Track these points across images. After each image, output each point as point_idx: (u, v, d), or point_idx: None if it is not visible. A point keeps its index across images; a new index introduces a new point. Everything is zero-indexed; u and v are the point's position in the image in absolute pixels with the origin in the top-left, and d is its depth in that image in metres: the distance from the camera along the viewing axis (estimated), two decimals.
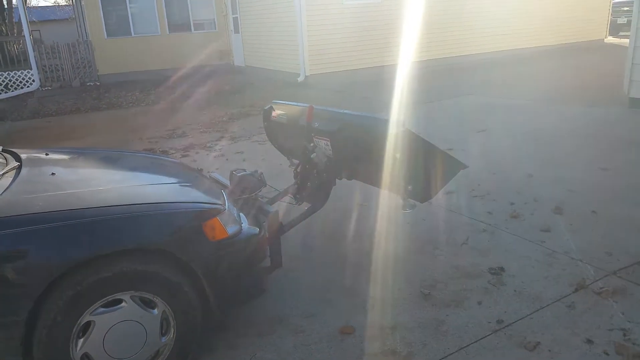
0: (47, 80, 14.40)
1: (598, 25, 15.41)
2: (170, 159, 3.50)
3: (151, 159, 3.37)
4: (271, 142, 4.33)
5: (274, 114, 3.97)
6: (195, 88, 12.64)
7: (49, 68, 14.48)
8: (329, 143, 3.32)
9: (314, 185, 3.48)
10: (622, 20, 17.31)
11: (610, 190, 4.24)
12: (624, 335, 2.45)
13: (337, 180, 3.53)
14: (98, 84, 14.56)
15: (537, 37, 14.22)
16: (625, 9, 16.91)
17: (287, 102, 3.95)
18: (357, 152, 3.22)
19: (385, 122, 2.98)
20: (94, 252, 1.99)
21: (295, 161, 3.92)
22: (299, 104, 3.78)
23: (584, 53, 13.81)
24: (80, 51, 14.76)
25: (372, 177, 3.30)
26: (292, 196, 3.66)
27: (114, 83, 14.28)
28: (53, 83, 14.46)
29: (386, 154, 2.95)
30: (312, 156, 3.38)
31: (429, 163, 3.03)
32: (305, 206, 3.52)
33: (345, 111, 3.36)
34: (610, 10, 15.66)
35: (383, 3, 11.89)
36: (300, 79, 11.74)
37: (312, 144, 3.42)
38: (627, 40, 7.94)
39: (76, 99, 12.20)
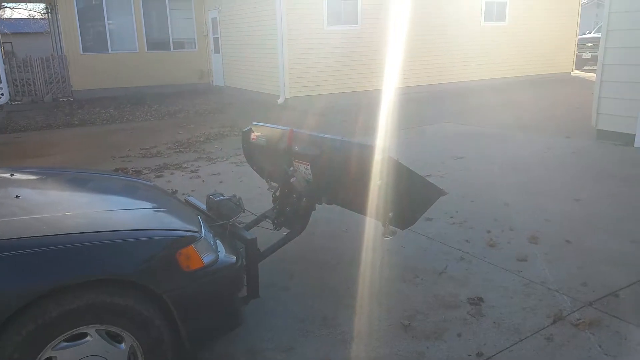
0: (17, 94, 14.07)
1: (565, 59, 16.12)
2: (143, 182, 3.39)
3: (122, 182, 3.25)
4: (249, 165, 4.26)
5: (253, 135, 3.91)
6: (173, 107, 12.52)
7: (20, 82, 14.17)
8: (309, 167, 3.27)
9: (293, 210, 3.42)
10: (586, 55, 18.17)
11: (583, 221, 4.30)
12: None
13: (317, 205, 3.47)
14: (71, 99, 14.28)
15: (510, 68, 14.73)
16: (590, 44, 17.81)
17: (267, 125, 3.90)
18: (338, 177, 3.18)
19: (366, 148, 2.96)
20: (57, 283, 1.86)
21: (274, 184, 3.85)
22: (279, 126, 3.73)
23: (553, 85, 14.27)
24: (54, 66, 14.50)
25: (352, 202, 3.26)
26: (270, 221, 3.58)
27: (89, 99, 14.04)
28: (24, 97, 14.14)
29: (367, 180, 2.92)
30: (291, 180, 3.32)
31: (409, 190, 3.02)
32: (284, 231, 3.45)
33: (326, 135, 3.32)
34: (576, 45, 16.38)
35: (364, 30, 12.09)
36: (280, 101, 11.74)
37: (291, 168, 3.36)
38: (591, 74, 8.27)
39: (47, 114, 11.93)
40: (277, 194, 3.58)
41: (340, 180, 3.18)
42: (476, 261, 3.63)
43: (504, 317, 2.90)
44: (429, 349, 2.64)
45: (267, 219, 3.63)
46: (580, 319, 2.84)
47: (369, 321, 2.92)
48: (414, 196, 3.08)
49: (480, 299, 3.10)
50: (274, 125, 3.81)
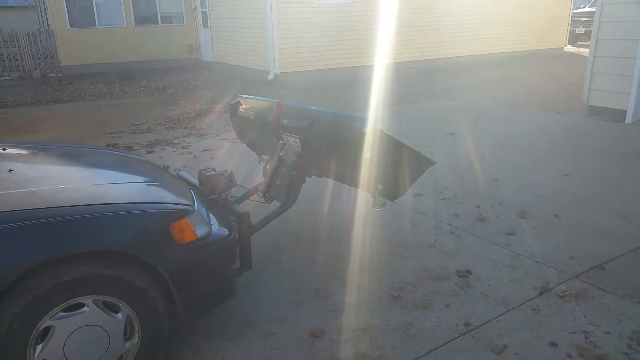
0: (4, 69, 13.84)
1: (558, 35, 16.02)
2: (135, 156, 3.39)
3: (115, 157, 3.25)
4: (239, 137, 4.26)
5: (241, 108, 3.90)
6: (162, 82, 12.39)
7: (7, 57, 13.90)
8: (298, 140, 3.28)
9: (283, 183, 3.43)
10: (580, 30, 18.05)
11: (571, 196, 4.36)
12: (586, 337, 2.51)
13: (307, 178, 3.49)
14: (60, 75, 14.07)
15: (503, 44, 14.66)
16: (584, 19, 17.67)
17: (254, 97, 3.89)
18: (327, 149, 3.19)
19: (354, 120, 2.97)
20: (53, 255, 1.88)
21: (265, 157, 3.86)
22: (266, 99, 3.72)
23: (545, 60, 14.25)
24: (41, 41, 14.23)
25: (341, 175, 3.27)
26: (261, 194, 3.60)
27: (77, 75, 13.84)
28: (12, 73, 13.91)
29: (356, 152, 2.93)
30: (281, 154, 3.33)
31: (398, 161, 3.01)
32: (275, 204, 3.47)
33: (315, 108, 3.32)
34: (570, 20, 16.29)
35: (355, 4, 11.93)
36: (270, 76, 11.65)
37: (281, 141, 3.37)
38: (584, 50, 8.23)
39: (37, 90, 11.76)
40: (267, 167, 3.59)
41: (329, 152, 3.20)
42: (465, 235, 3.69)
43: (491, 289, 2.98)
44: (417, 319, 2.71)
45: (258, 192, 3.65)
46: (566, 291, 2.91)
47: (359, 293, 2.98)
48: (402, 167, 3.06)
49: (469, 272, 3.17)
50: (262, 98, 3.79)
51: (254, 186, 3.74)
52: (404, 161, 3.04)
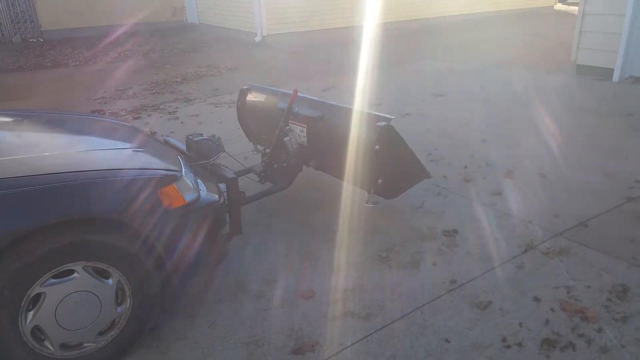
0: None
1: None
2: (121, 122, 3.35)
3: (101, 122, 3.21)
4: (240, 124, 4.28)
5: (249, 96, 3.95)
6: (147, 46, 12.10)
7: None
8: (304, 130, 3.34)
9: (280, 167, 3.49)
10: None
11: (558, 155, 4.41)
12: (568, 292, 2.59)
13: (304, 168, 3.59)
14: (41, 40, 13.67)
15: (492, 2, 14.43)
16: None
17: (264, 87, 3.99)
18: (332, 142, 3.25)
19: (370, 114, 3.06)
20: (40, 222, 1.87)
21: (260, 147, 3.97)
22: (275, 89, 3.84)
23: (535, 19, 14.08)
24: (19, 4, 13.74)
25: (341, 169, 3.30)
26: (256, 174, 3.63)
27: (59, 39, 13.46)
28: None
29: (363, 146, 3.01)
30: (284, 139, 3.36)
31: (402, 162, 3.15)
32: (268, 185, 3.55)
33: (329, 102, 3.40)
34: None
35: None
36: (258, 39, 11.41)
37: (287, 127, 3.39)
38: (574, 8, 8.12)
39: (18, 56, 11.45)
40: (267, 150, 3.64)
41: (333, 146, 3.24)
42: (452, 196, 3.74)
43: (477, 248, 3.04)
44: (405, 278, 2.77)
45: (253, 172, 3.68)
46: (550, 248, 2.99)
47: (348, 254, 3.03)
48: (403, 169, 3.21)
49: (455, 231, 3.23)
50: (273, 88, 3.90)
51: (250, 166, 3.78)
52: (406, 164, 3.19)
